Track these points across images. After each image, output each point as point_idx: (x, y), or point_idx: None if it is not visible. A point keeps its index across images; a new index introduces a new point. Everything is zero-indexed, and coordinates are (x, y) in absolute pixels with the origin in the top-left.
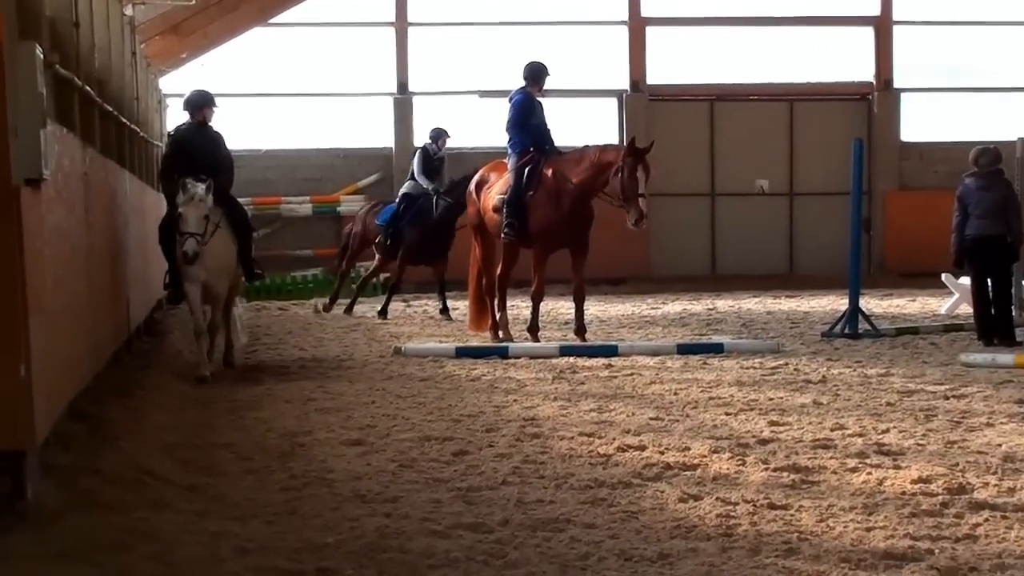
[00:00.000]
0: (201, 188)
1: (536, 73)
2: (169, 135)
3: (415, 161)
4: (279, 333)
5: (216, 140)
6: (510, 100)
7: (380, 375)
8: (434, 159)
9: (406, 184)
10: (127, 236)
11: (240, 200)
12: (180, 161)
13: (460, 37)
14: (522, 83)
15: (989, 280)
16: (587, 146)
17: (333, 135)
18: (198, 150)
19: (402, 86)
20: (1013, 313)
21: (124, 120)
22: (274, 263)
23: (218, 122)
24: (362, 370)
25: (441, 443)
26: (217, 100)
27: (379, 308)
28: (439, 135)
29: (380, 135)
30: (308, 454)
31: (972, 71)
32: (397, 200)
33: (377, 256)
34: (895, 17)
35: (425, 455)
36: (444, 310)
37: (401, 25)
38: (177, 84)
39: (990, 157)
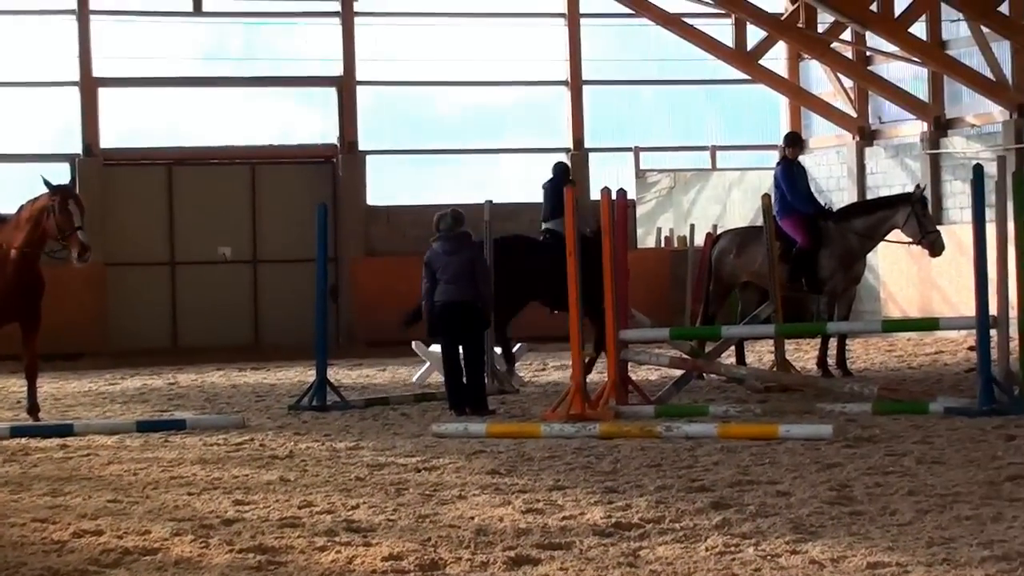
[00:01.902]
0: None
1: None
2: None
3: None
4: None
5: None
6: None
7: None
8: None
9: None
10: None
11: None
12: None
13: None
14: None
15: (461, 348)
16: (21, 206)
17: None
18: None
19: None
20: (485, 381)
21: None
22: None
23: None
24: None
25: None
26: None
27: None
28: None
29: None
30: None
31: (439, 132)
32: None
33: None
34: (359, 77)
35: None
36: None
37: None
38: None
39: (449, 220)
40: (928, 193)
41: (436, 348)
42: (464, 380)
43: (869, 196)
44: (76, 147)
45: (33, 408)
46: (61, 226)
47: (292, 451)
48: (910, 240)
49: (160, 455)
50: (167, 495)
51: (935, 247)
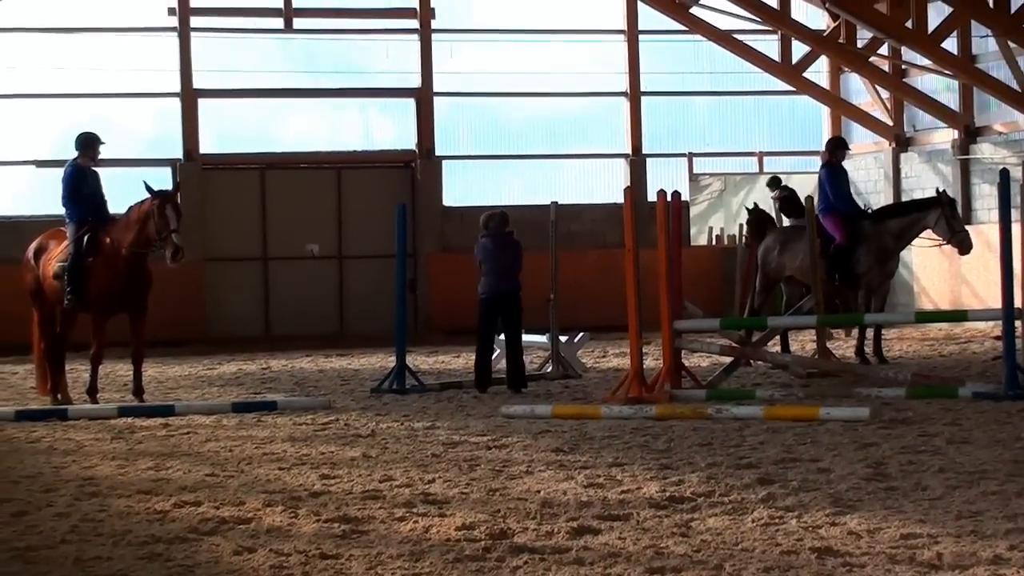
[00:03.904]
0: None
1: (87, 142)
2: None
3: None
4: None
5: None
6: (64, 172)
7: None
8: None
9: None
10: None
11: None
12: None
13: (17, 108)
14: (75, 153)
15: (502, 334)
16: (130, 207)
17: None
18: None
19: None
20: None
21: None
22: None
23: None
24: None
25: None
26: None
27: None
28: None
29: None
30: None
31: (509, 139)
32: None
33: None
34: (436, 89)
35: None
36: None
37: None
38: None
39: (498, 220)
40: (958, 195)
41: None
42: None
43: (904, 198)
44: (177, 152)
45: (139, 390)
46: (159, 229)
47: (374, 430)
48: (941, 240)
49: (253, 433)
50: (260, 470)
51: (963, 246)
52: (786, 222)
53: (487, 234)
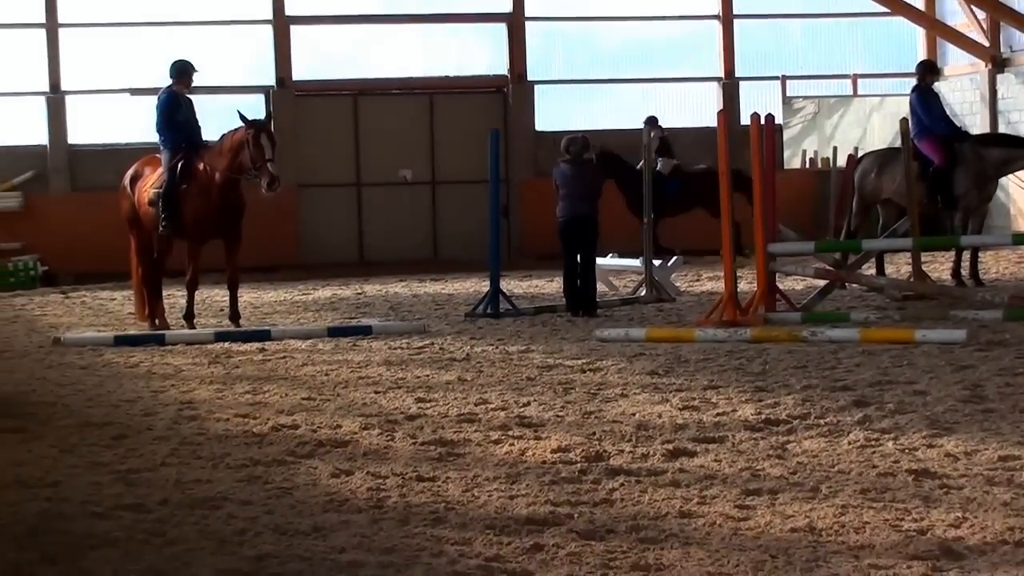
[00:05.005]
0: None
1: (181, 71)
2: None
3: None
4: None
5: None
6: (158, 99)
7: (40, 365)
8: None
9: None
10: None
11: None
12: None
13: (111, 37)
14: (169, 81)
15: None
16: (223, 134)
17: None
18: None
19: (54, 86)
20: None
21: None
22: None
23: None
24: (21, 360)
25: (101, 428)
26: None
27: None
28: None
29: (33, 133)
30: None
31: (601, 63)
32: None
33: None
34: (527, 13)
35: (85, 440)
36: None
37: (52, 26)
38: None
39: (580, 145)
40: None
41: (601, 260)
42: (579, 285)
43: (1000, 120)
44: (270, 79)
45: (235, 315)
46: (254, 158)
47: (469, 354)
48: None
49: (349, 358)
50: (356, 393)
51: None
52: (660, 165)
53: (567, 159)
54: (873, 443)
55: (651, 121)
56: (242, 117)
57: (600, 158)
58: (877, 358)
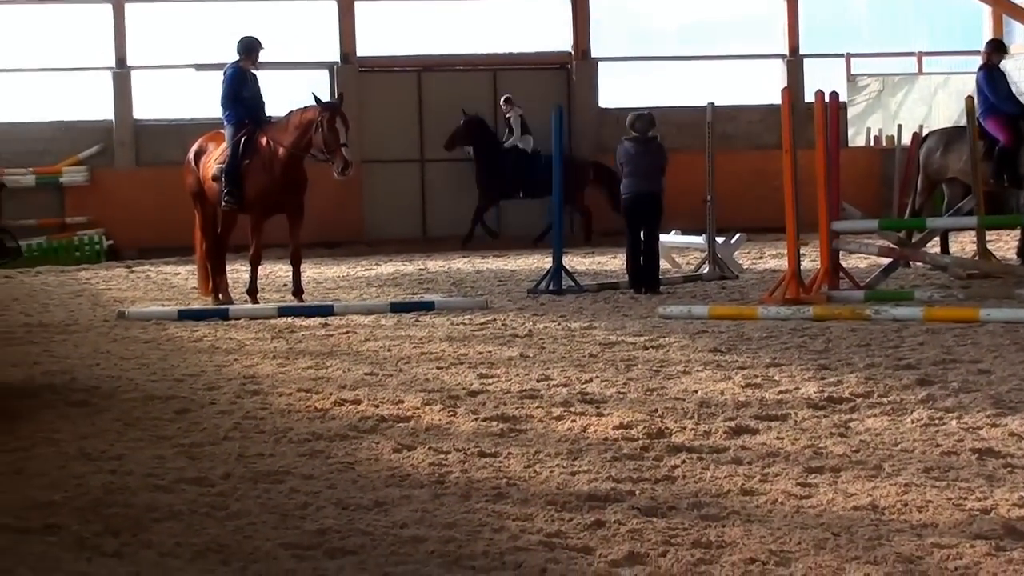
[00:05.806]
0: None
1: (249, 47)
2: None
3: None
4: (5, 300)
5: None
6: (224, 74)
7: (104, 339)
8: None
9: None
10: None
11: None
12: None
13: (177, 12)
14: (236, 57)
15: (641, 234)
16: (291, 111)
17: (54, 108)
18: None
19: (120, 61)
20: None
21: None
22: None
23: None
24: (86, 334)
25: (164, 402)
26: None
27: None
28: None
29: (100, 108)
30: (34, 416)
31: (665, 40)
32: None
33: None
34: None
35: (149, 414)
36: None
37: (118, 2)
38: None
39: (646, 122)
40: None
41: (664, 238)
42: (642, 263)
43: None
44: (334, 55)
45: (298, 291)
46: (328, 141)
47: (531, 330)
48: None
49: (412, 333)
50: (418, 369)
51: None
52: (516, 137)
53: (632, 137)
54: (936, 422)
55: (508, 100)
56: (316, 99)
57: (466, 123)
58: (941, 337)
